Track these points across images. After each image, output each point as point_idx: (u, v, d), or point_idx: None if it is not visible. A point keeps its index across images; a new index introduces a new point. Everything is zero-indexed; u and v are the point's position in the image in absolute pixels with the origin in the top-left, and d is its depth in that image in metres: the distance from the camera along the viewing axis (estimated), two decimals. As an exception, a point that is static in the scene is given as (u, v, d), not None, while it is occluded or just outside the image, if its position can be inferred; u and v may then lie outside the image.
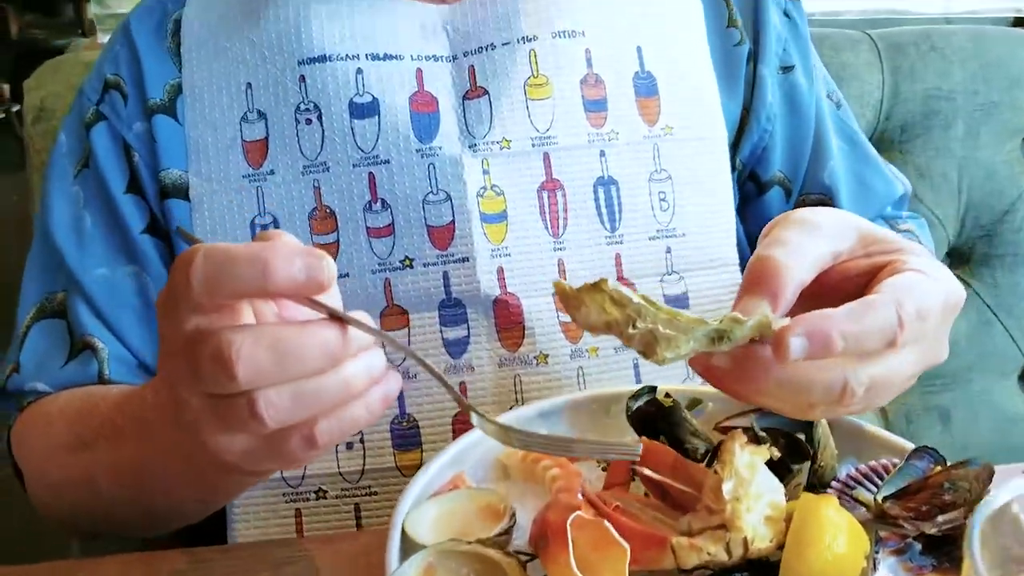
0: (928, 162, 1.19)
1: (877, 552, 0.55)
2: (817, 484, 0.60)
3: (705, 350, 0.52)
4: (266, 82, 0.80)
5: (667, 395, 0.66)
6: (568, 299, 0.51)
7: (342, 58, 0.80)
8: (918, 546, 0.57)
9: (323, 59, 0.80)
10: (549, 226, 0.80)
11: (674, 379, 0.78)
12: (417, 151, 0.79)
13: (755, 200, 0.89)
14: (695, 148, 0.84)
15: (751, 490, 0.53)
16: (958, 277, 1.24)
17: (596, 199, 0.81)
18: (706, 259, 0.83)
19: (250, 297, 0.51)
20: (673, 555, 0.54)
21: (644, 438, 0.61)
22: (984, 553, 0.38)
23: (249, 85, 0.81)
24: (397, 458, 0.78)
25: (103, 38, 1.30)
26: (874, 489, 0.59)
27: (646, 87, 0.83)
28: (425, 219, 0.78)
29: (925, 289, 0.55)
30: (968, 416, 1.27)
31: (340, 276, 0.78)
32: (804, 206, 0.89)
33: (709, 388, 0.59)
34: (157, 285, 0.81)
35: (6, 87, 3.47)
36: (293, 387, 0.49)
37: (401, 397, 0.78)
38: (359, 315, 0.51)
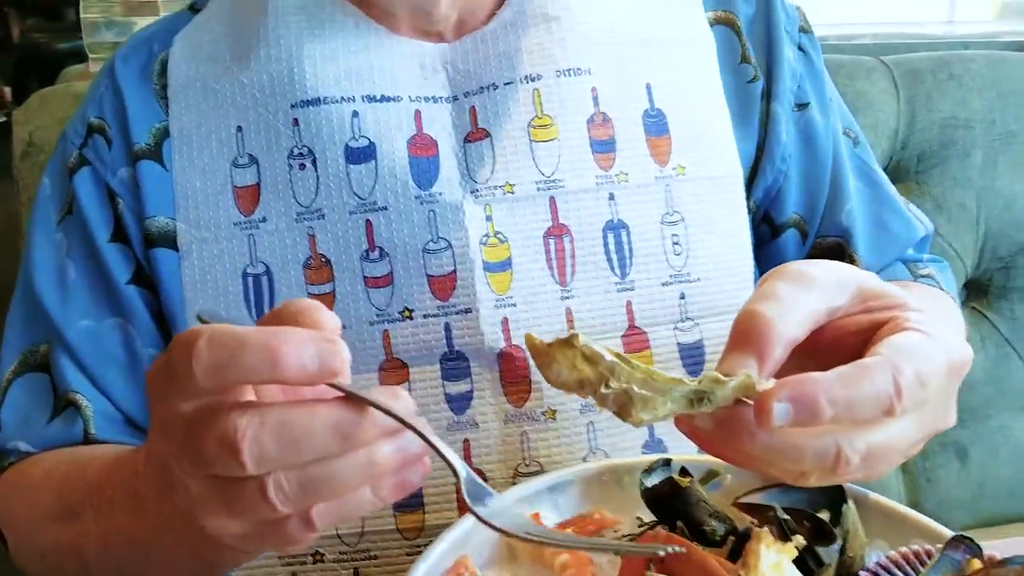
0: (945, 192, 1.15)
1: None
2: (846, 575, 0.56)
3: (685, 411, 0.49)
4: (257, 126, 0.77)
5: (683, 471, 0.62)
6: (538, 354, 0.48)
7: (337, 100, 0.76)
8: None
9: (317, 102, 0.76)
10: (556, 274, 0.76)
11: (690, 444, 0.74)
12: (416, 197, 0.75)
13: (769, 243, 0.85)
14: (709, 188, 0.80)
15: None
16: (975, 309, 1.21)
17: (605, 244, 0.77)
18: (723, 305, 0.79)
19: (257, 384, 0.47)
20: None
21: (663, 530, 0.57)
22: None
23: (240, 128, 0.77)
24: (398, 520, 0.74)
25: (96, 67, 1.26)
26: (907, 583, 0.55)
27: (656, 126, 0.80)
28: (425, 268, 0.74)
29: (927, 351, 0.51)
30: (986, 453, 1.23)
31: (336, 328, 0.74)
32: (819, 250, 0.85)
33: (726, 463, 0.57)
34: (143, 337, 0.78)
35: (7, 90, 3.44)
36: (303, 471, 0.46)
37: (402, 456, 0.74)
38: (380, 392, 0.47)
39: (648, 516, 0.61)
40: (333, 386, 0.46)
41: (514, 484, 0.73)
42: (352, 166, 0.75)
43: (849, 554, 0.56)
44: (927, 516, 0.60)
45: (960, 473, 1.22)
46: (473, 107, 0.77)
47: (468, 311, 0.74)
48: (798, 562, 0.52)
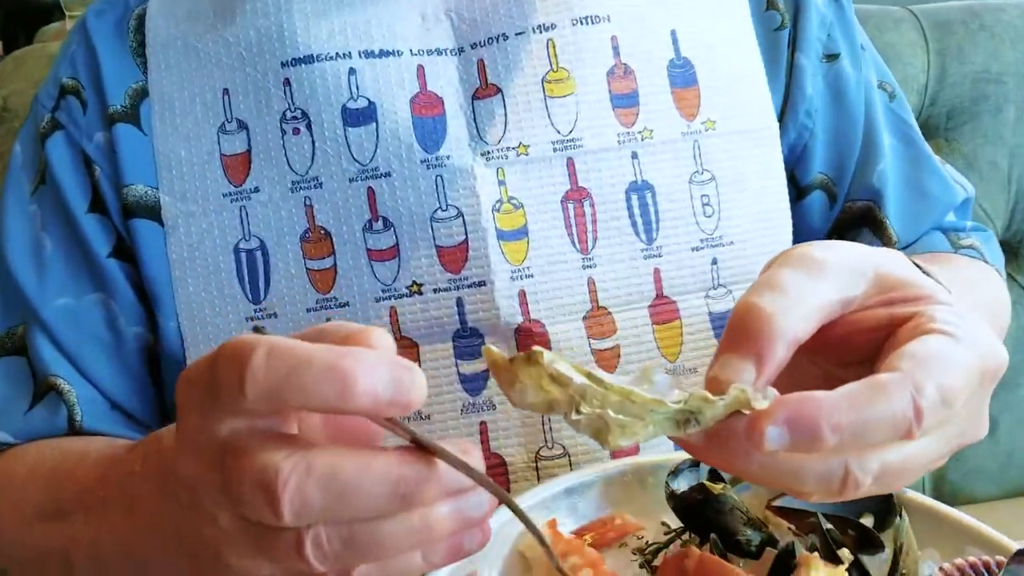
0: (976, 150, 1.10)
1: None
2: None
3: (670, 434, 0.42)
4: (246, 87, 0.70)
5: (714, 472, 0.57)
6: (499, 372, 0.41)
7: (332, 57, 0.70)
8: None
9: (310, 59, 0.70)
10: (576, 241, 0.70)
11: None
12: (422, 162, 0.69)
13: (793, 207, 0.79)
14: (741, 143, 0.74)
15: None
16: (1006, 274, 1.15)
17: (629, 207, 0.71)
18: (758, 269, 0.73)
19: (319, 412, 0.41)
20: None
21: (694, 548, 0.52)
22: None
23: (226, 91, 0.71)
24: None
25: (72, 25, 1.19)
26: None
27: (683, 76, 0.73)
28: (434, 239, 0.68)
29: (954, 361, 0.42)
30: (1015, 423, 1.19)
31: (340, 305, 0.69)
32: (849, 215, 0.79)
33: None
34: (126, 314, 0.72)
35: (-4, 44, 3.35)
36: (349, 528, 0.39)
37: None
38: (449, 445, 0.40)
39: (675, 521, 0.57)
40: (396, 425, 0.40)
41: (536, 468, 0.68)
42: (351, 129, 0.69)
43: (903, 571, 0.50)
44: (955, 488, 0.54)
45: (989, 443, 1.17)
46: (481, 60, 0.71)
47: (482, 284, 0.68)
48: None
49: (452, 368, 0.69)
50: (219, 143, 0.70)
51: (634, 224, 0.71)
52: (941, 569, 0.51)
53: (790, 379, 0.42)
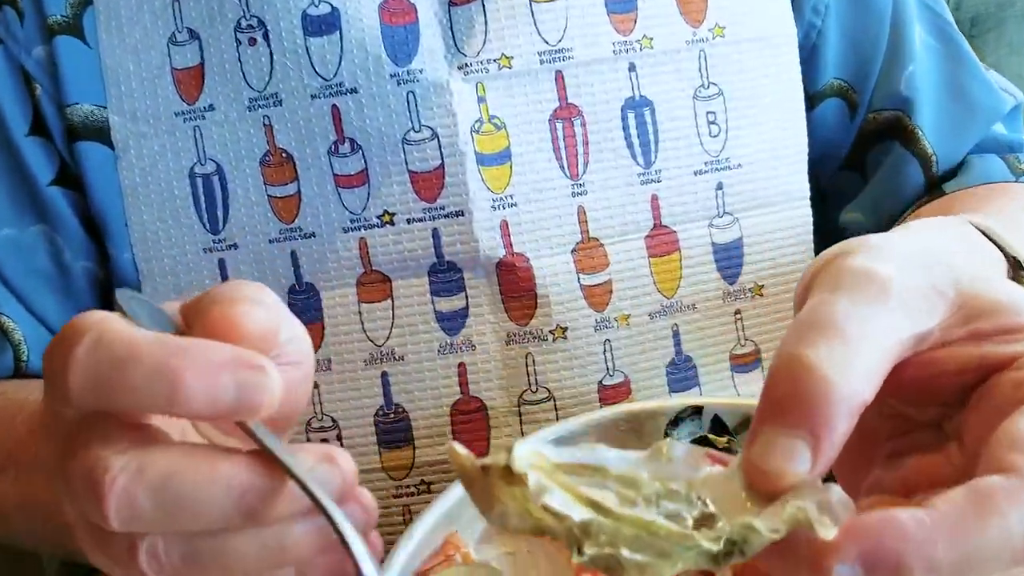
0: (1000, 60, 1.03)
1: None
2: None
3: (706, 567, 0.33)
4: None
5: (717, 421, 0.52)
6: (470, 485, 0.33)
7: None
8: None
9: None
10: (565, 165, 0.64)
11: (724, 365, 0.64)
12: (392, 76, 0.62)
13: None
14: (754, 53, 0.67)
15: None
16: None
17: (625, 127, 0.65)
18: (768, 195, 0.68)
19: (153, 414, 0.36)
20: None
21: None
22: None
23: None
24: (383, 458, 0.65)
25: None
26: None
27: None
28: (406, 163, 0.62)
29: None
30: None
31: (305, 236, 0.63)
32: (873, 126, 0.72)
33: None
34: (72, 248, 0.66)
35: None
36: (189, 543, 0.34)
37: (386, 384, 0.64)
38: (311, 452, 0.35)
39: None
40: (248, 431, 0.34)
41: (519, 414, 0.63)
42: (312, 39, 0.62)
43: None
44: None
45: None
46: None
47: (459, 214, 0.62)
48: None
49: (428, 305, 0.64)
50: (170, 55, 0.64)
51: (630, 145, 0.65)
52: None
53: None
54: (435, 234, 0.63)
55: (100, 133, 0.64)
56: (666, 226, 0.66)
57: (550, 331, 0.64)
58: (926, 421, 0.34)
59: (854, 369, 0.31)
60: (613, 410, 0.56)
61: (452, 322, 0.64)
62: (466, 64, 0.63)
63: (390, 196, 0.63)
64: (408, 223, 0.63)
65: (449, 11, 0.63)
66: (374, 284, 0.63)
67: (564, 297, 0.64)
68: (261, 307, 0.36)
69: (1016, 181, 0.71)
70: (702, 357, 0.66)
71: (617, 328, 0.65)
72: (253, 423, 0.34)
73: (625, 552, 0.31)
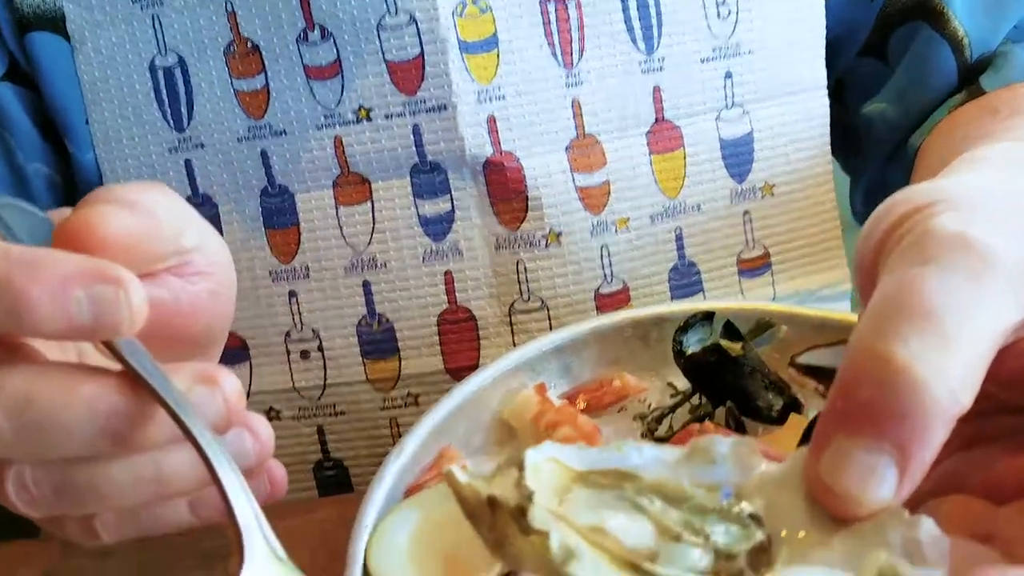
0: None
1: None
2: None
3: None
4: None
5: (730, 327, 0.48)
6: (475, 518, 0.28)
7: None
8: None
9: None
10: (559, 53, 0.58)
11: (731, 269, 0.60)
12: None
13: None
14: None
15: None
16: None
17: (625, 9, 0.59)
18: (782, 84, 0.62)
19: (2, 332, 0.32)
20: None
21: (710, 424, 0.44)
22: None
23: None
24: (368, 369, 0.62)
25: None
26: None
27: None
28: (382, 52, 0.56)
29: None
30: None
31: (275, 134, 0.58)
32: (897, 5, 0.64)
33: (780, 306, 0.50)
34: (24, 149, 0.61)
35: None
36: (61, 472, 0.32)
37: (368, 293, 0.60)
38: (189, 373, 0.32)
39: (682, 381, 0.51)
40: (113, 350, 0.31)
41: (510, 324, 0.59)
42: None
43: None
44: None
45: None
46: None
47: (442, 108, 0.57)
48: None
49: (410, 209, 0.59)
50: None
51: (630, 30, 0.59)
52: None
53: None
54: (416, 131, 0.58)
55: (54, 23, 0.58)
56: (669, 120, 0.60)
57: (542, 236, 0.59)
58: (1018, 405, 0.29)
59: (953, 369, 0.26)
60: (619, 316, 0.53)
61: (437, 227, 0.59)
62: (447, -62, 0.56)
63: (366, 89, 0.57)
64: (386, 119, 0.57)
65: None
66: (352, 186, 0.59)
67: (557, 199, 0.59)
68: (132, 210, 0.32)
69: None
70: (707, 262, 0.61)
71: (615, 232, 0.60)
72: (124, 340, 0.31)
73: None
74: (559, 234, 0.59)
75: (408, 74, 0.57)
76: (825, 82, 0.63)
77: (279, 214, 0.59)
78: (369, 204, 0.59)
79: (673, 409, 0.50)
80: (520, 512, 0.26)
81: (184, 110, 0.58)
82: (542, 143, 0.58)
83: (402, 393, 0.61)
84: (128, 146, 0.59)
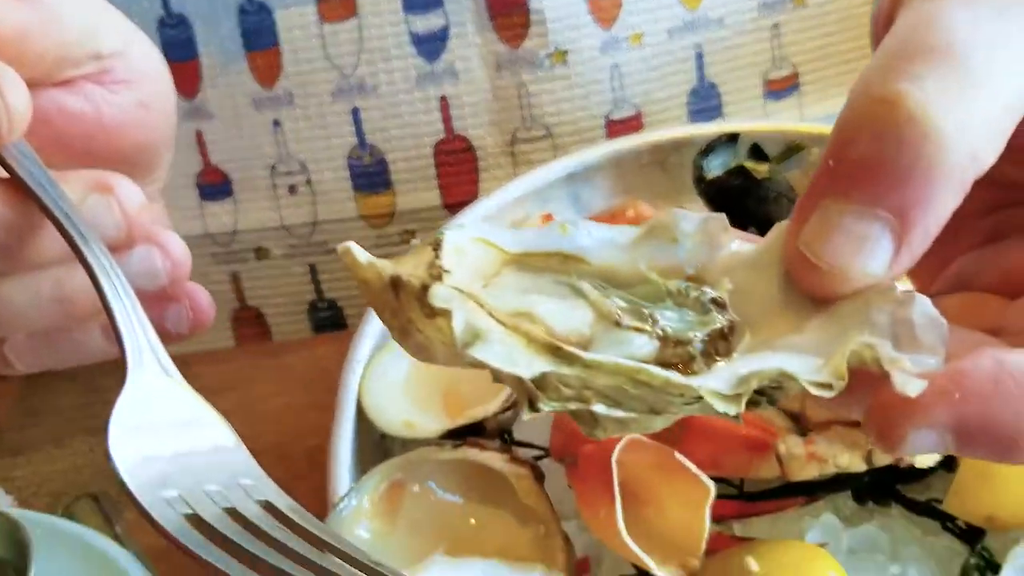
0: None
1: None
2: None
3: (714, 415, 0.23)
4: None
5: (756, 149, 0.44)
6: (375, 300, 0.24)
7: None
8: None
9: None
10: None
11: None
12: None
13: None
14: None
15: None
16: None
17: None
18: None
19: None
20: (779, 464, 0.34)
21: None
22: None
23: None
24: (360, 204, 0.57)
25: None
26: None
27: None
28: None
29: None
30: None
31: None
32: None
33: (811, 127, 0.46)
34: None
35: None
36: None
37: (358, 120, 0.55)
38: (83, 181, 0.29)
39: (703, 210, 0.48)
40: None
41: (511, 154, 0.54)
42: None
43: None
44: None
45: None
46: None
47: None
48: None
49: (401, 25, 0.54)
50: None
51: None
52: None
53: None
54: None
55: None
56: None
57: (547, 55, 0.54)
58: None
59: (976, 118, 0.21)
60: (635, 140, 0.50)
61: (430, 45, 0.54)
62: None
63: None
64: None
65: None
66: (334, 3, 0.53)
67: (563, 12, 0.53)
68: (27, 2, 0.29)
69: None
70: (729, 83, 0.56)
71: (628, 49, 0.55)
72: (14, 146, 0.29)
73: (600, 408, 0.22)
74: (565, 52, 0.54)
75: None
76: None
77: (257, 34, 0.54)
78: (355, 20, 0.53)
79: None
80: (425, 292, 0.22)
81: None
82: None
83: (397, 230, 0.57)
84: None
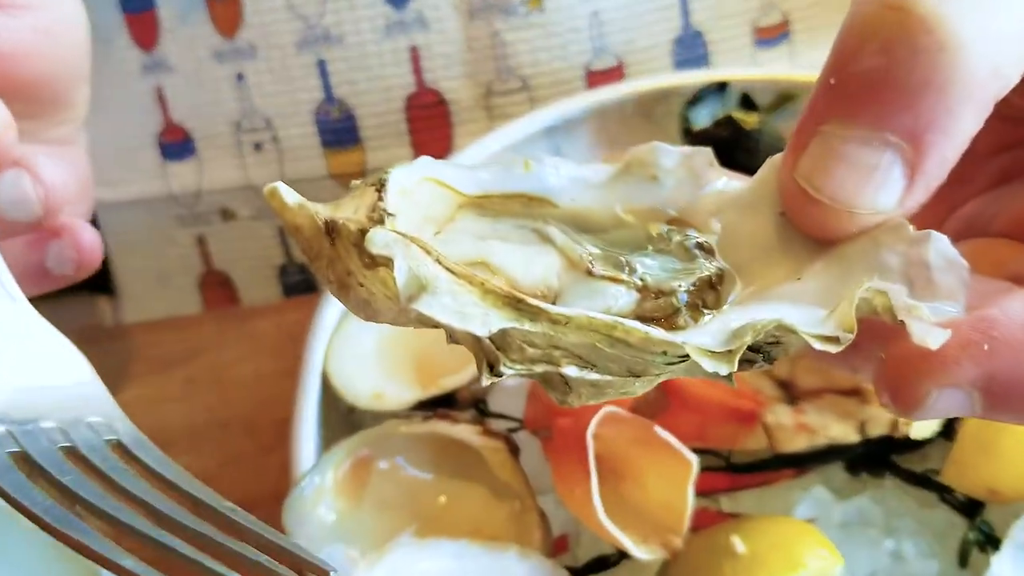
0: None
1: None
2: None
3: (703, 377, 0.21)
4: None
5: (746, 99, 0.42)
6: (318, 258, 0.20)
7: None
8: None
9: None
10: None
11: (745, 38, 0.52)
12: None
13: None
14: None
15: None
16: None
17: None
18: None
19: None
20: (766, 435, 0.33)
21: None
22: None
23: None
24: (329, 162, 0.55)
25: None
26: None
27: None
28: None
29: None
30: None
31: None
32: None
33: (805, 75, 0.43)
34: None
35: None
36: None
37: (324, 73, 0.52)
38: None
39: None
40: None
41: (486, 108, 0.52)
42: None
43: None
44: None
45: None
46: None
47: None
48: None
49: (367, -29, 0.50)
50: None
51: None
52: None
53: None
54: None
55: None
56: None
57: (522, 1, 0.51)
58: None
59: (1001, 27, 0.18)
60: (618, 89, 0.48)
61: None
62: None
63: None
64: None
65: None
66: None
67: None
68: None
69: None
70: (716, 30, 0.53)
71: (609, -4, 0.51)
72: None
73: (571, 370, 0.19)
74: (542, -1, 0.51)
75: None
76: None
77: None
78: None
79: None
80: (363, 237, 0.19)
81: None
82: None
83: (369, 188, 0.55)
84: None
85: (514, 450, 0.33)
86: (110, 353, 0.53)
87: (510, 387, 0.34)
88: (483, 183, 0.21)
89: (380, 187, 0.20)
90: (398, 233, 0.19)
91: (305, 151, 0.55)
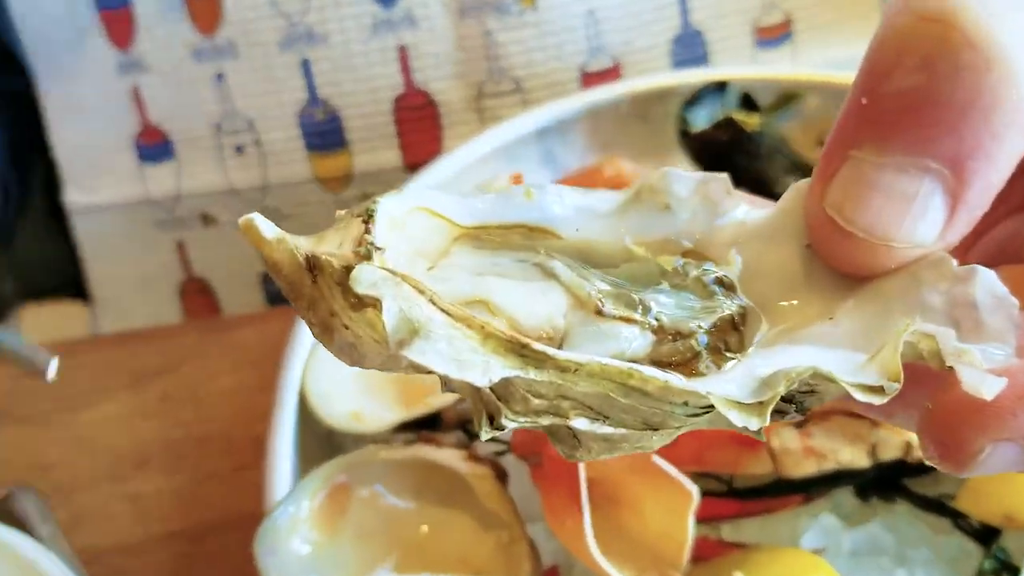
0: None
1: None
2: None
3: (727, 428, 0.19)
4: None
5: (747, 100, 0.40)
6: (299, 297, 0.18)
7: None
8: None
9: None
10: None
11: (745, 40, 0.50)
12: None
13: None
14: None
15: None
16: None
17: None
18: None
19: None
20: (771, 460, 0.30)
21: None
22: None
23: None
24: (314, 166, 0.53)
25: None
26: None
27: None
28: None
29: None
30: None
31: None
32: None
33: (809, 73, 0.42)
34: None
35: None
36: None
37: (308, 73, 0.50)
38: None
39: (689, 166, 0.45)
40: None
41: (478, 110, 0.50)
42: None
43: None
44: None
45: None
46: None
47: None
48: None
49: (353, -33, 0.48)
50: None
51: None
52: None
53: None
54: None
55: None
56: None
57: (515, -1, 0.49)
58: None
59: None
60: (613, 89, 0.46)
61: None
62: None
63: None
64: None
65: None
66: None
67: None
68: None
69: None
70: (716, 30, 0.51)
71: (604, -7, 0.50)
72: None
73: (580, 423, 0.17)
74: (535, -4, 0.49)
75: None
76: None
77: None
78: None
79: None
80: (347, 275, 0.17)
81: None
82: None
83: (356, 193, 0.54)
84: None
85: (502, 476, 0.31)
86: (85, 366, 0.51)
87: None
88: (480, 213, 0.19)
89: (368, 218, 0.18)
90: (387, 270, 0.17)
91: (288, 154, 0.53)
